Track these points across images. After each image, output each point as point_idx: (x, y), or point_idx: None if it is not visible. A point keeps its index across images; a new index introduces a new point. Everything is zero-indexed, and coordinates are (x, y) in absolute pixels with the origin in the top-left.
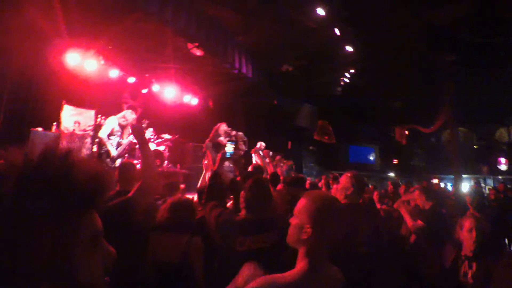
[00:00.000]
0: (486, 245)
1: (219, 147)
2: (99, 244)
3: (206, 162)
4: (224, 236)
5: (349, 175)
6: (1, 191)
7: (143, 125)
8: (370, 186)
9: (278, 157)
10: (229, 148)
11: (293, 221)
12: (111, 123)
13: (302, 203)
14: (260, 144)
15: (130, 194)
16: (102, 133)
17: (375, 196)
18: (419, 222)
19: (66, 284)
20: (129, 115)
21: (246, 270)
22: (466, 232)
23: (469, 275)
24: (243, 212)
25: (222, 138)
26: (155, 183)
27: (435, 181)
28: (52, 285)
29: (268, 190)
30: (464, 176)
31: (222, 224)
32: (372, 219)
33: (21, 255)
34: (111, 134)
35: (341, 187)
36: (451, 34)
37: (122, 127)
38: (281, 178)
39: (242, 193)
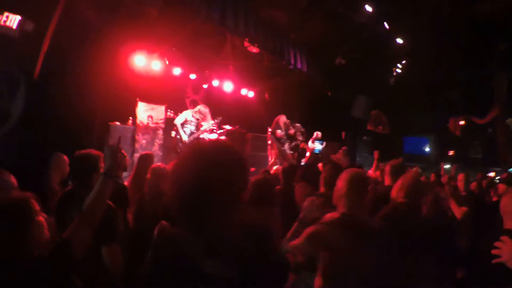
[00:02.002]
0: None
1: (287, 138)
2: None
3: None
4: None
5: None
6: None
7: (216, 120)
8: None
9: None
10: (318, 146)
11: None
12: (185, 114)
13: None
14: (317, 134)
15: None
16: (177, 121)
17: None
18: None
19: None
20: (203, 110)
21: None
22: None
23: None
24: (322, 189)
25: (279, 131)
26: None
27: (492, 174)
28: None
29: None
30: None
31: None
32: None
33: None
34: (184, 123)
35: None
36: (501, 24)
37: (196, 119)
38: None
39: (322, 174)
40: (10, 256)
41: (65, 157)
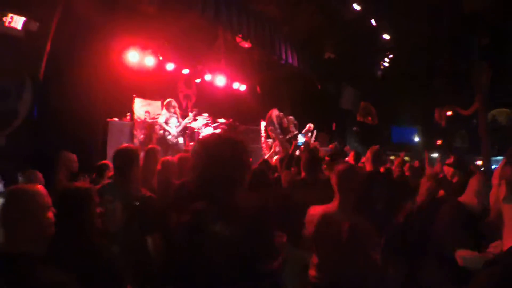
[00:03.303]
0: None
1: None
2: None
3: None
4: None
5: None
6: None
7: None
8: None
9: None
10: (301, 138)
11: None
12: (163, 113)
13: None
14: (309, 126)
15: None
16: (160, 120)
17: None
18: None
19: None
20: (172, 103)
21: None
22: None
23: None
24: (303, 174)
25: (271, 128)
26: None
27: (479, 162)
28: None
29: (318, 160)
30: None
31: (289, 183)
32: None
33: None
34: (166, 120)
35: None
36: (484, 18)
37: (174, 112)
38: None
39: (302, 162)
40: (73, 235)
41: (71, 155)
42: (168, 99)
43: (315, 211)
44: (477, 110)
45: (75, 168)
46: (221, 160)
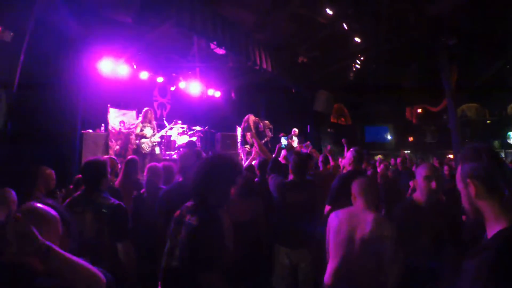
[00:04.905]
0: None
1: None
2: None
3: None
4: (280, 193)
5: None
6: None
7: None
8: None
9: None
10: (284, 141)
11: None
12: (139, 124)
13: None
14: (294, 131)
15: None
16: (137, 131)
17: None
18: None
19: None
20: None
21: None
22: None
23: None
24: (291, 177)
25: (249, 134)
26: None
27: (451, 156)
28: None
29: (306, 163)
30: None
31: (279, 186)
32: None
33: None
34: (141, 130)
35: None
36: (450, 21)
37: (148, 122)
38: None
39: (290, 164)
40: None
41: (50, 171)
42: (145, 109)
43: (340, 213)
44: (446, 107)
45: (53, 185)
46: (215, 169)
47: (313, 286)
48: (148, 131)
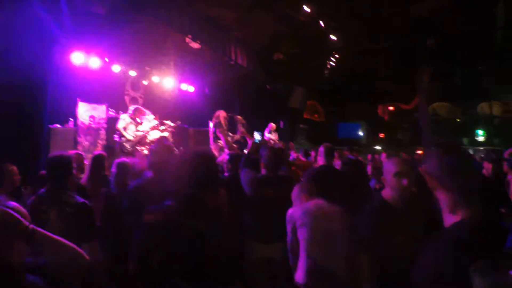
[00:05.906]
0: None
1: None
2: None
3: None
4: (253, 188)
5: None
6: None
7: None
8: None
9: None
10: (257, 136)
11: None
12: (124, 117)
13: None
14: (271, 125)
15: None
16: (119, 125)
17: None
18: None
19: None
20: (140, 109)
21: None
22: None
23: None
24: (263, 172)
25: (220, 130)
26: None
27: (420, 152)
28: None
29: (279, 157)
30: None
31: (251, 180)
32: None
33: None
34: (126, 126)
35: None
36: (429, 23)
37: (134, 119)
38: None
39: (263, 159)
40: None
41: (13, 167)
42: (135, 106)
43: (308, 205)
44: (418, 105)
45: (18, 182)
46: (198, 163)
47: (286, 280)
48: (131, 128)
